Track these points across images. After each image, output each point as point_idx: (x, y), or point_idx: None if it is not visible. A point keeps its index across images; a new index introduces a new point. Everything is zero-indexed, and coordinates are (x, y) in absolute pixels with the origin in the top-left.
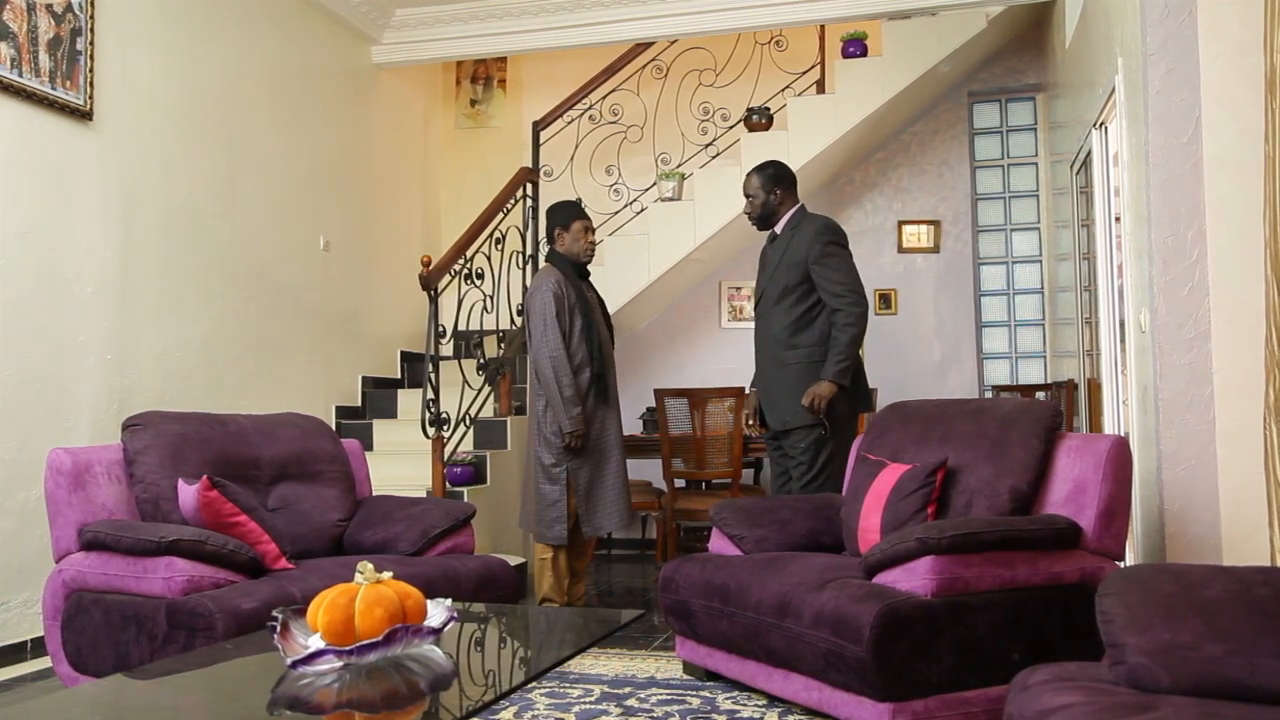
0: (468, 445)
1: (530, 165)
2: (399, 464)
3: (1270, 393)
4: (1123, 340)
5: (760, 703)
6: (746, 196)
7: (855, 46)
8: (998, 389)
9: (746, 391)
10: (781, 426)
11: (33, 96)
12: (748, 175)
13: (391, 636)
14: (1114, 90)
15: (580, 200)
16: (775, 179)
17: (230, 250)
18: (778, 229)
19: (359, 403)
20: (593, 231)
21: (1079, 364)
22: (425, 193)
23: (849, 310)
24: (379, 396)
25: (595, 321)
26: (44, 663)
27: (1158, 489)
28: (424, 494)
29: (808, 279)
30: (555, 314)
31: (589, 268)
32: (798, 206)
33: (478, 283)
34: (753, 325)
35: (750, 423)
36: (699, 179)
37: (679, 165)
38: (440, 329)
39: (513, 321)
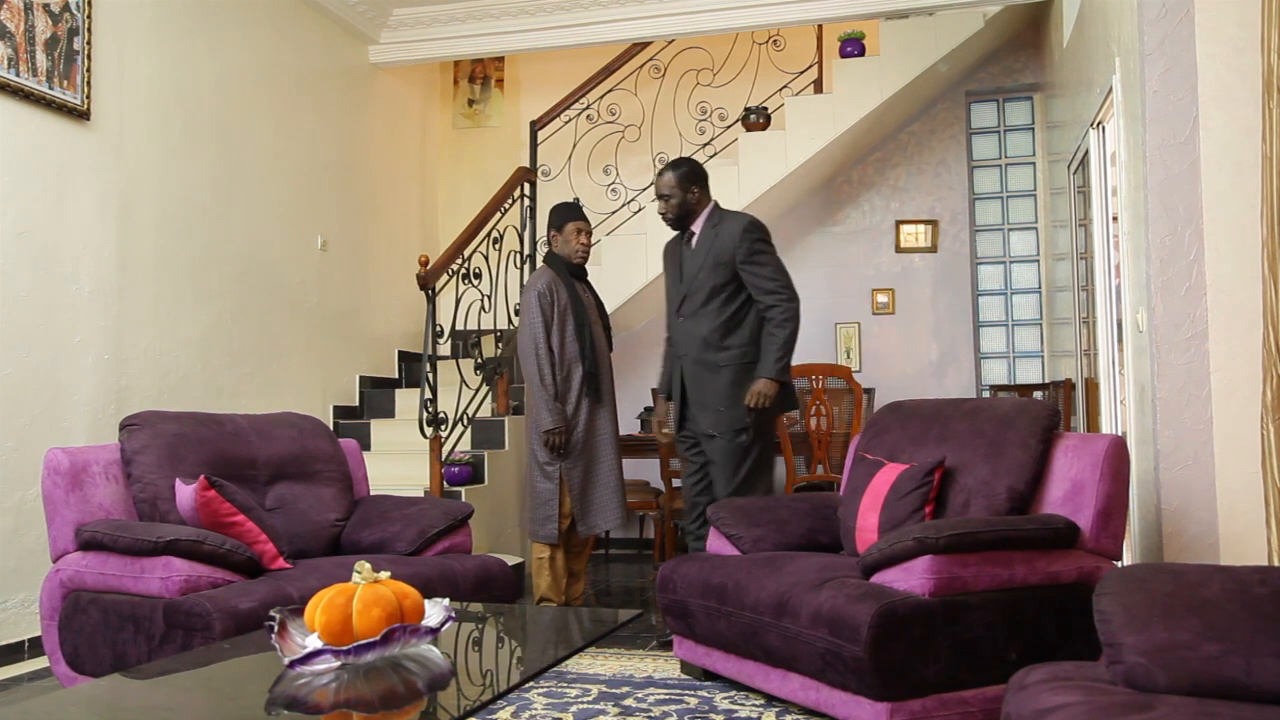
0: (465, 445)
1: (528, 165)
2: (397, 464)
3: (1268, 392)
4: (1120, 340)
5: (758, 702)
6: (661, 196)
7: (853, 46)
8: (995, 389)
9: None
10: (716, 430)
11: (30, 96)
12: (661, 174)
13: (389, 636)
14: (1111, 90)
15: (578, 200)
16: (691, 176)
17: (227, 250)
18: (695, 228)
19: (356, 402)
20: (587, 234)
21: (1076, 363)
22: (423, 192)
23: (785, 306)
24: (377, 396)
25: (589, 321)
26: (41, 662)
27: (1155, 488)
28: (422, 494)
29: (736, 278)
30: (540, 315)
31: (588, 267)
32: (713, 204)
33: (475, 282)
34: None
35: (665, 430)
36: None
37: None
38: (438, 328)
39: (510, 321)
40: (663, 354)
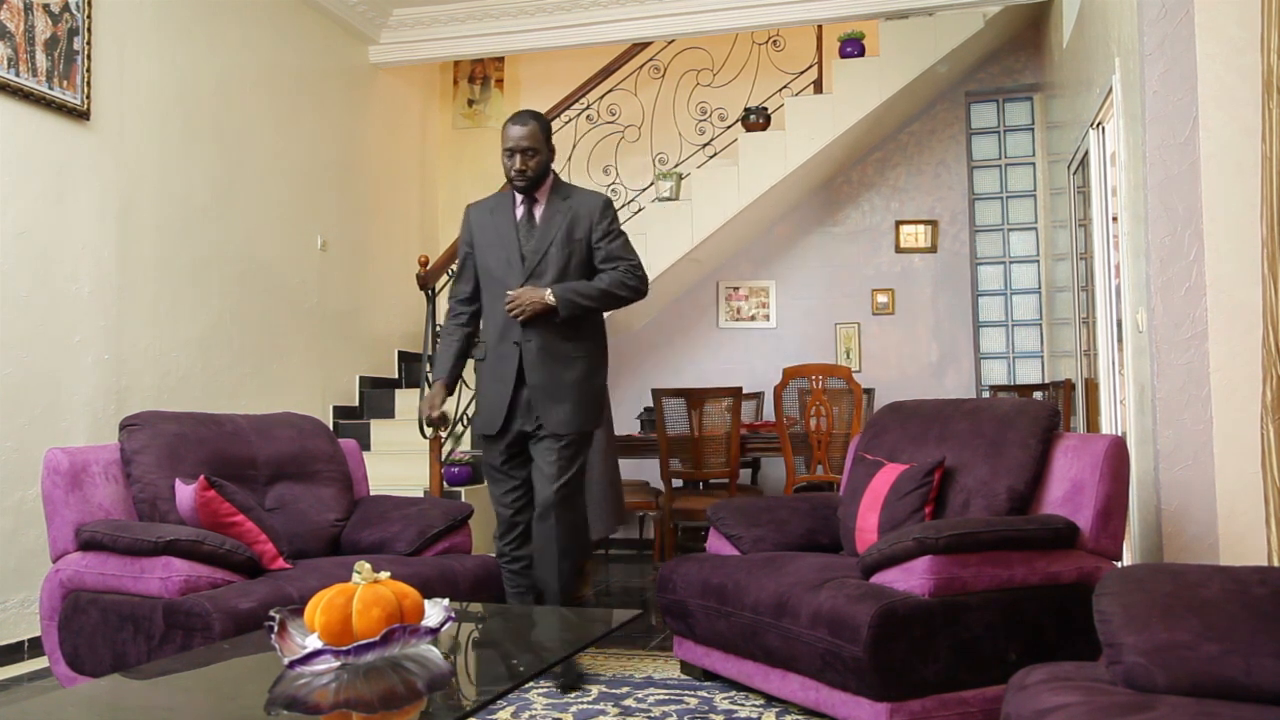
0: (465, 445)
1: None
2: (396, 464)
3: (1267, 392)
4: (1120, 340)
5: (758, 703)
6: (522, 150)
7: (853, 46)
8: (995, 389)
9: (433, 387)
10: (565, 430)
11: (30, 96)
12: (523, 123)
13: (389, 636)
14: (1111, 90)
15: None
16: (550, 133)
17: (227, 250)
18: (539, 196)
19: (356, 402)
20: None
21: (1076, 364)
22: (422, 192)
23: (637, 279)
24: (376, 396)
25: None
26: (41, 663)
27: (1155, 489)
28: (421, 494)
29: (589, 261)
30: None
31: None
32: (555, 174)
33: None
34: (742, 325)
35: (433, 418)
36: (696, 179)
37: (676, 165)
38: (438, 329)
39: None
40: (444, 339)
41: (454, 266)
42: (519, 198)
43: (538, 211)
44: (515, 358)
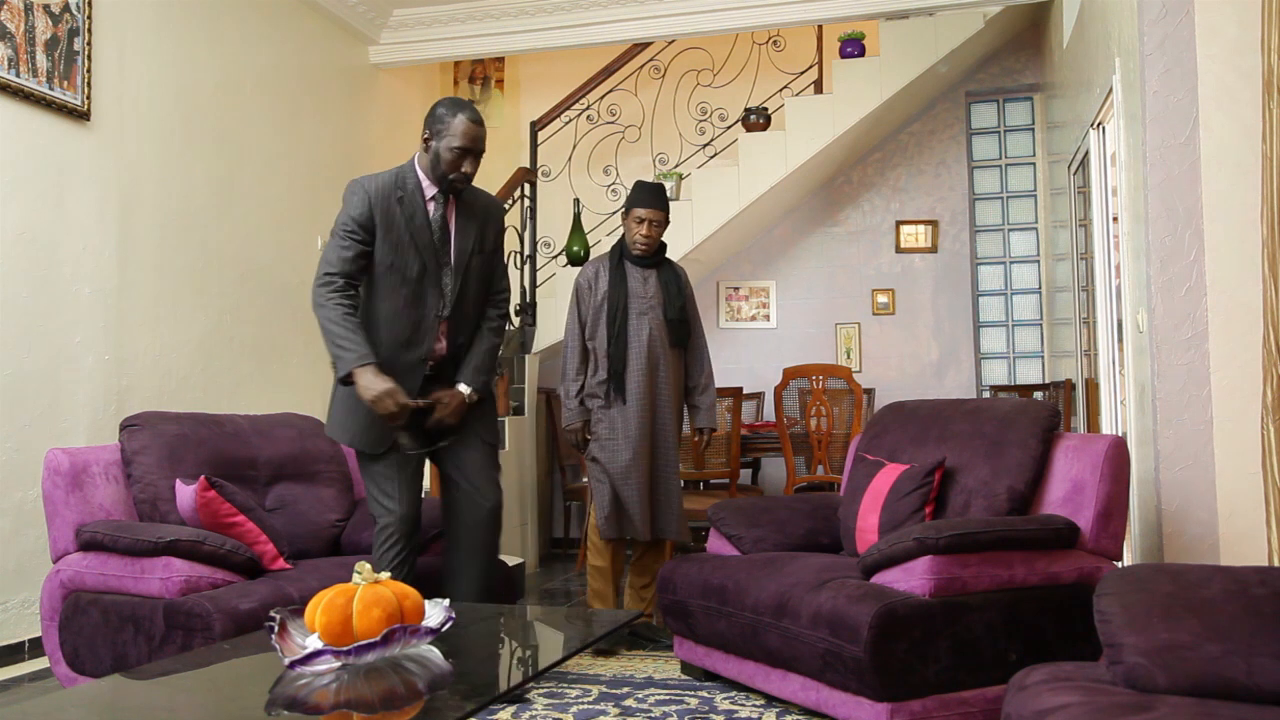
0: None
1: (528, 165)
2: None
3: (1268, 392)
4: (1120, 340)
5: (758, 703)
6: (476, 154)
7: (853, 46)
8: (995, 389)
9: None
10: (492, 439)
11: (30, 97)
12: (480, 121)
13: (389, 637)
14: (1111, 90)
15: (659, 182)
16: None
17: (227, 250)
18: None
19: None
20: (651, 224)
21: (1077, 364)
22: None
23: (506, 319)
24: None
25: (627, 314)
26: (41, 663)
27: (1155, 489)
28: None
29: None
30: (575, 305)
31: (667, 257)
32: None
33: None
34: (742, 325)
35: (419, 405)
36: (697, 179)
37: (677, 165)
38: None
39: (510, 322)
40: (339, 314)
41: None
42: (429, 190)
43: (451, 212)
44: (420, 375)
